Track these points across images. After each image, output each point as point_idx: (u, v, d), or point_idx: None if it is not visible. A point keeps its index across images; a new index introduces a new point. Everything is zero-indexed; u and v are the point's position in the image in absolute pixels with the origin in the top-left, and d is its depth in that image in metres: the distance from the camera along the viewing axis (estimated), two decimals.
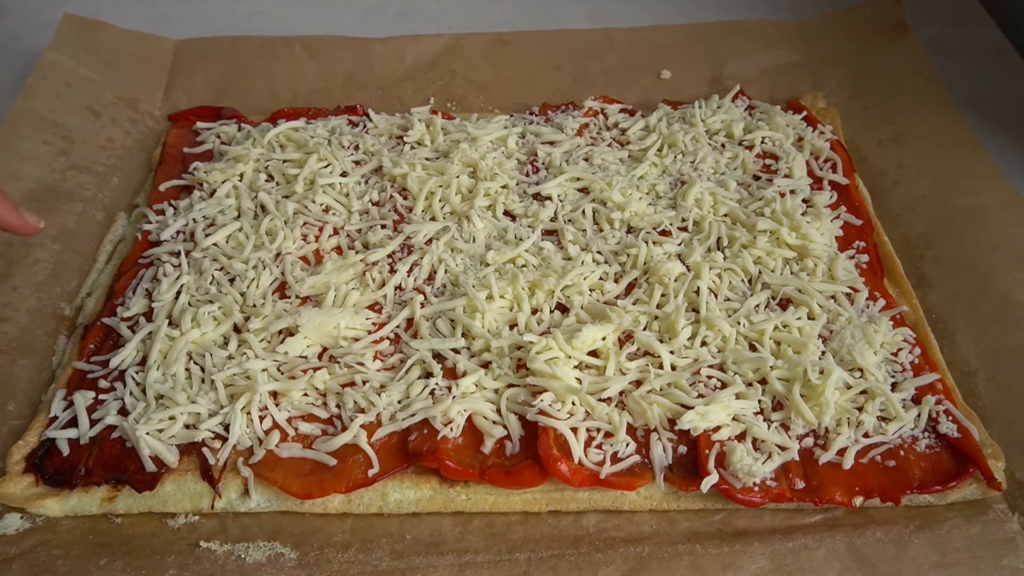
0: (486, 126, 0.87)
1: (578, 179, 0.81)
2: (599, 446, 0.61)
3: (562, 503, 0.61)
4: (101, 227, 0.83)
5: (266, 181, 0.83)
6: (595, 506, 0.61)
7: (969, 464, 0.59)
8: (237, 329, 0.69)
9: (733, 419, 0.61)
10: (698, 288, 0.70)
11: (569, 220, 0.78)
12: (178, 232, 0.78)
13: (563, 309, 0.70)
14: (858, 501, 0.58)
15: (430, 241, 0.76)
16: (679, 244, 0.75)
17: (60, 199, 0.83)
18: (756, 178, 0.82)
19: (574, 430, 0.61)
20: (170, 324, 0.69)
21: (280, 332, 0.69)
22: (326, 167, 0.83)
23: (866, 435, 0.61)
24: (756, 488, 0.59)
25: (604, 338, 0.66)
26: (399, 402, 0.64)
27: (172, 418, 0.63)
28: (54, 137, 0.87)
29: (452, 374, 0.65)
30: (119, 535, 0.60)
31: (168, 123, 0.94)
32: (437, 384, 0.64)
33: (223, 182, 0.82)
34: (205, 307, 0.69)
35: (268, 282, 0.73)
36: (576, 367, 0.65)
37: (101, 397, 0.65)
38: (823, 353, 0.65)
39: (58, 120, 0.88)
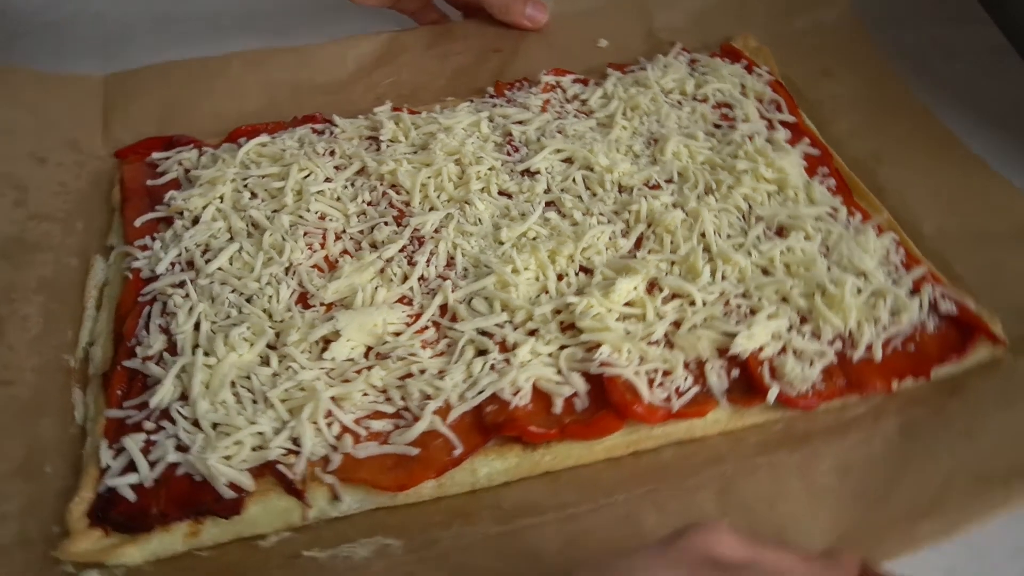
0: (454, 115, 0.89)
1: (560, 150, 0.84)
2: (660, 385, 0.65)
3: (641, 443, 0.64)
4: (78, 273, 0.78)
5: (250, 199, 0.81)
6: (670, 439, 0.65)
7: (974, 330, 0.68)
8: (271, 346, 0.69)
9: (772, 337, 0.67)
10: (704, 231, 0.75)
11: (563, 190, 0.81)
12: (173, 263, 0.75)
13: (586, 271, 0.74)
14: (895, 384, 0.66)
15: (438, 230, 0.77)
16: (671, 195, 0.80)
17: (29, 250, 0.78)
18: (717, 126, 0.88)
19: (637, 374, 0.65)
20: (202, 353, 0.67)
21: (318, 341, 0.68)
22: (308, 176, 0.82)
23: (884, 328, 0.68)
24: (809, 393, 0.65)
25: (635, 288, 0.70)
26: (463, 382, 0.65)
27: (238, 443, 0.61)
28: (6, 188, 0.82)
29: (503, 347, 0.67)
30: (211, 568, 0.59)
31: (116, 160, 0.90)
32: (495, 359, 0.66)
33: (204, 207, 0.80)
34: (235, 330, 0.68)
35: (287, 295, 0.72)
36: (617, 319, 0.69)
37: (151, 438, 0.63)
38: (828, 267, 0.72)
39: (5, 171, 0.83)
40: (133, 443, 0.62)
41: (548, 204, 0.80)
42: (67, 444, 0.66)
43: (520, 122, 0.88)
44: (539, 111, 0.90)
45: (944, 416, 0.64)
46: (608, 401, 0.64)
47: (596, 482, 0.62)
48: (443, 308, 0.71)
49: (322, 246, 0.76)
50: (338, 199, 0.80)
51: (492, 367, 0.66)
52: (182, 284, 0.72)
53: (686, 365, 0.66)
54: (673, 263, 0.73)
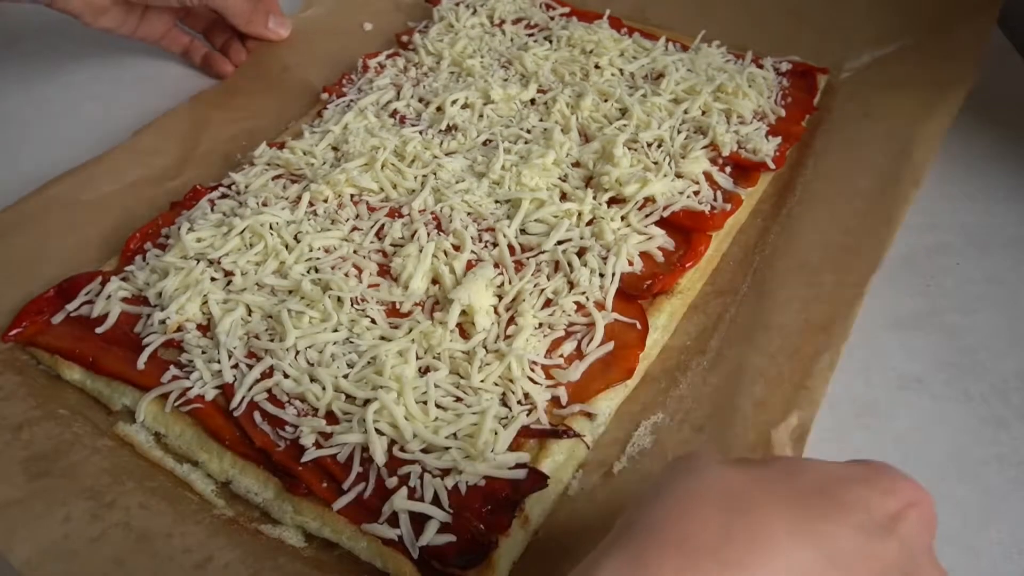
0: (329, 121, 0.88)
1: (456, 100, 0.90)
2: (699, 198, 0.79)
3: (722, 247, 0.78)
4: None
5: (224, 279, 0.72)
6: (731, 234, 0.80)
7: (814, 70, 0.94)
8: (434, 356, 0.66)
9: (731, 133, 0.84)
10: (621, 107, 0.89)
11: (488, 127, 0.88)
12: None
13: (577, 165, 0.82)
14: (805, 121, 0.88)
15: (429, 211, 0.79)
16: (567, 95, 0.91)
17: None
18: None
19: (689, 197, 0.78)
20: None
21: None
22: (270, 227, 0.76)
23: (770, 97, 0.90)
24: (776, 154, 0.83)
25: (627, 150, 0.82)
26: (591, 275, 0.71)
27: (493, 432, 0.60)
28: None
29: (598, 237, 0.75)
30: (565, 540, 0.58)
31: (9, 345, 0.71)
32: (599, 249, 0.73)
33: (185, 321, 0.69)
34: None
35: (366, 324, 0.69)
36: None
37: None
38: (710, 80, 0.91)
39: None
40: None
41: (486, 143, 0.86)
42: None
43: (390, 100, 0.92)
44: (392, 85, 0.93)
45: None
46: (693, 229, 0.75)
47: None
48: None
49: (359, 273, 0.73)
50: (333, 222, 0.76)
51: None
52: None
53: (698, 181, 0.81)
54: (626, 125, 0.85)
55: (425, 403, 0.61)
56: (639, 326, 0.68)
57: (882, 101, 0.88)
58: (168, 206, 0.83)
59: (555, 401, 0.64)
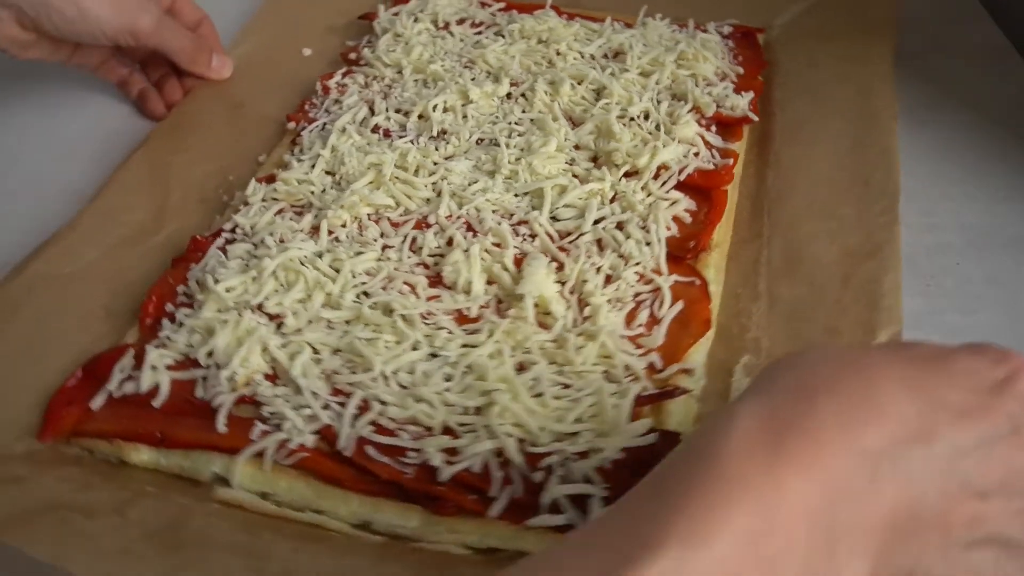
0: (314, 148, 0.85)
1: (437, 105, 0.89)
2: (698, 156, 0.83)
3: None
4: None
5: (272, 323, 0.69)
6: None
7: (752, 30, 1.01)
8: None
9: (706, 95, 0.89)
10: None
11: (478, 127, 0.88)
12: None
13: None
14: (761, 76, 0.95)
15: (453, 216, 0.78)
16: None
17: None
18: None
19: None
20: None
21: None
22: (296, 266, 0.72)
23: (724, 58, 0.96)
24: (750, 106, 0.89)
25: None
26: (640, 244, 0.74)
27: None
28: None
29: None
30: None
31: (49, 444, 0.64)
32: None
33: (252, 373, 0.65)
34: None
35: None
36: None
37: None
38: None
39: None
40: None
41: (479, 142, 0.87)
42: None
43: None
44: (363, 101, 0.91)
45: None
46: (709, 186, 0.80)
47: None
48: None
49: (412, 289, 0.71)
50: (363, 245, 0.74)
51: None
52: None
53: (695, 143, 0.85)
54: (608, 104, 0.88)
55: (540, 395, 0.62)
56: (698, 282, 0.71)
57: (822, 49, 0.96)
58: (168, 263, 0.77)
59: (651, 368, 0.66)
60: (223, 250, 0.76)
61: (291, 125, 0.92)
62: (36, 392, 0.67)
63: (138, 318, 0.72)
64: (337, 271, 0.72)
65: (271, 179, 0.83)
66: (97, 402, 0.65)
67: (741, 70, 0.94)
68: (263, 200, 0.80)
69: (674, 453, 0.44)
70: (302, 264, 0.72)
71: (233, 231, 0.78)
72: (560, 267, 0.72)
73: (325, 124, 0.89)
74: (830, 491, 0.37)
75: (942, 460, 0.39)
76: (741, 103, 0.88)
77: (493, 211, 0.77)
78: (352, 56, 1.00)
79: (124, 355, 0.68)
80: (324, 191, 0.81)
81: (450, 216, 0.77)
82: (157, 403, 0.65)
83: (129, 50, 0.99)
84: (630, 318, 0.69)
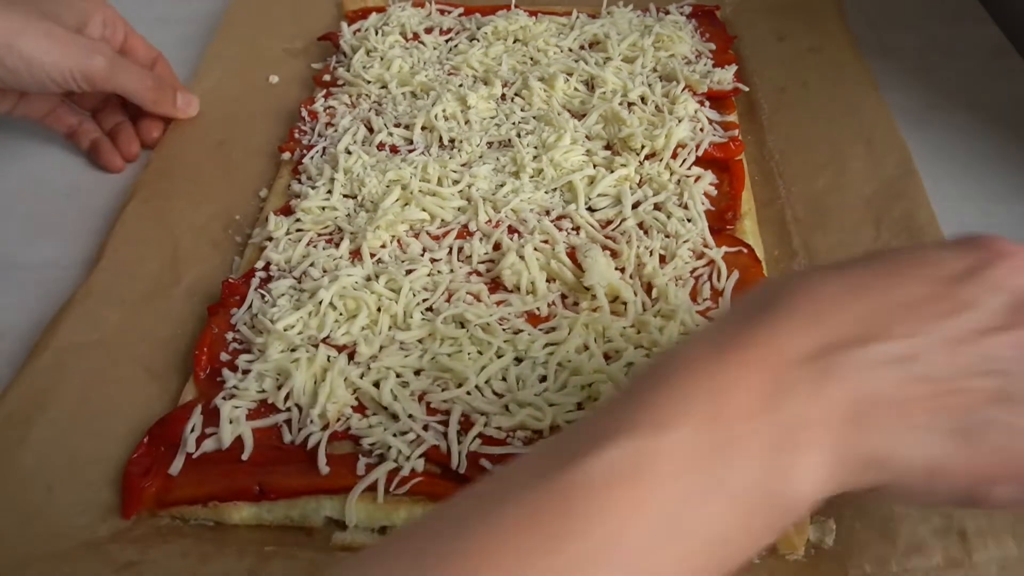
0: (328, 176, 0.83)
1: (437, 116, 0.88)
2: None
3: None
4: None
5: (342, 355, 0.66)
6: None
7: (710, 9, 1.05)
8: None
9: (690, 73, 0.92)
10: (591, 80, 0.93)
11: (487, 132, 0.88)
12: None
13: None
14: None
15: (494, 223, 0.78)
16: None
17: None
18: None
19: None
20: None
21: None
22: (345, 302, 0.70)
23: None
24: (734, 81, 0.93)
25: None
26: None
27: None
28: None
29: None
30: None
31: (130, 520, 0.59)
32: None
33: (340, 408, 0.63)
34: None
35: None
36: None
37: None
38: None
39: None
40: None
41: (489, 145, 0.86)
42: None
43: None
44: (359, 121, 0.89)
45: None
46: (725, 158, 0.83)
47: None
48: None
49: (475, 298, 0.70)
50: (411, 263, 0.73)
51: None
52: None
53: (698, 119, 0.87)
54: (604, 92, 0.90)
55: None
56: (745, 250, 0.74)
57: (783, 23, 1.02)
58: (197, 313, 0.73)
59: None
60: (264, 289, 0.72)
61: (286, 155, 0.88)
62: (102, 467, 0.62)
63: (192, 373, 0.68)
64: (395, 291, 0.70)
65: (287, 210, 0.80)
66: (176, 466, 0.61)
67: (713, 46, 0.98)
68: (287, 233, 0.77)
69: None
70: (356, 290, 0.70)
71: (267, 268, 0.75)
72: (613, 254, 0.73)
73: (325, 148, 0.86)
74: (778, 390, 0.37)
75: (889, 358, 0.38)
76: (727, 76, 0.92)
77: (531, 210, 0.78)
78: (326, 78, 0.98)
79: (191, 414, 0.64)
80: (350, 215, 0.79)
81: (489, 221, 0.77)
82: (245, 456, 0.61)
83: (80, 97, 0.92)
84: (694, 293, 0.71)
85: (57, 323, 0.71)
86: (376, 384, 0.64)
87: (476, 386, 0.64)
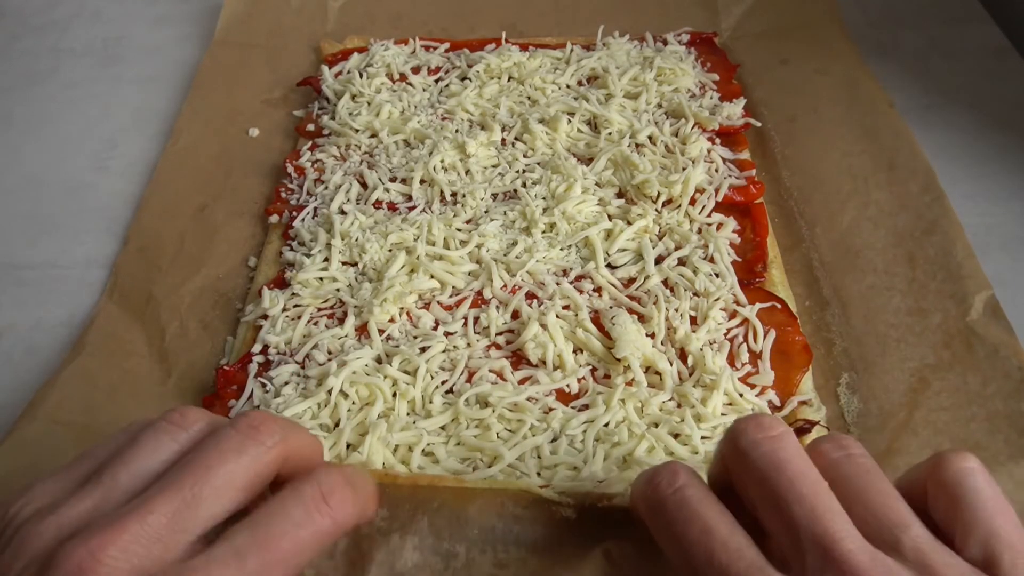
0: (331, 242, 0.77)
1: (434, 167, 0.82)
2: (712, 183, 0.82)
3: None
4: None
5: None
6: None
7: (708, 36, 1.00)
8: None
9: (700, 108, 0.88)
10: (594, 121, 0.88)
11: (489, 183, 0.82)
12: None
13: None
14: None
15: (511, 288, 0.72)
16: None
17: None
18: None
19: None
20: None
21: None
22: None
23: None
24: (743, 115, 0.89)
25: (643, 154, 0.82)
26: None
27: None
28: None
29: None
30: None
31: None
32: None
33: None
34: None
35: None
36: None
37: None
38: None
39: None
40: None
41: (494, 197, 0.81)
42: None
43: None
44: (351, 175, 0.83)
45: None
46: (745, 202, 0.78)
47: None
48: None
49: (498, 376, 0.65)
50: (424, 339, 0.67)
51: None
52: None
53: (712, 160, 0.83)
54: (611, 134, 0.85)
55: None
56: (778, 305, 0.70)
57: (783, 45, 0.98)
58: (198, 404, 0.66)
59: (770, 405, 0.63)
60: (264, 377, 0.66)
61: (274, 218, 0.82)
62: None
63: None
64: (410, 372, 0.64)
65: (281, 282, 0.74)
66: None
67: (716, 76, 0.94)
68: (284, 309, 0.71)
69: None
70: (368, 374, 0.64)
71: (265, 352, 0.68)
72: (641, 318, 0.68)
73: (317, 209, 0.80)
74: None
75: None
76: (736, 111, 0.88)
77: (547, 271, 0.72)
78: (310, 127, 0.91)
79: None
80: (351, 285, 0.73)
81: (505, 286, 0.71)
82: None
83: None
84: (731, 358, 0.66)
85: (46, 394, 0.65)
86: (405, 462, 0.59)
87: (509, 465, 0.58)
